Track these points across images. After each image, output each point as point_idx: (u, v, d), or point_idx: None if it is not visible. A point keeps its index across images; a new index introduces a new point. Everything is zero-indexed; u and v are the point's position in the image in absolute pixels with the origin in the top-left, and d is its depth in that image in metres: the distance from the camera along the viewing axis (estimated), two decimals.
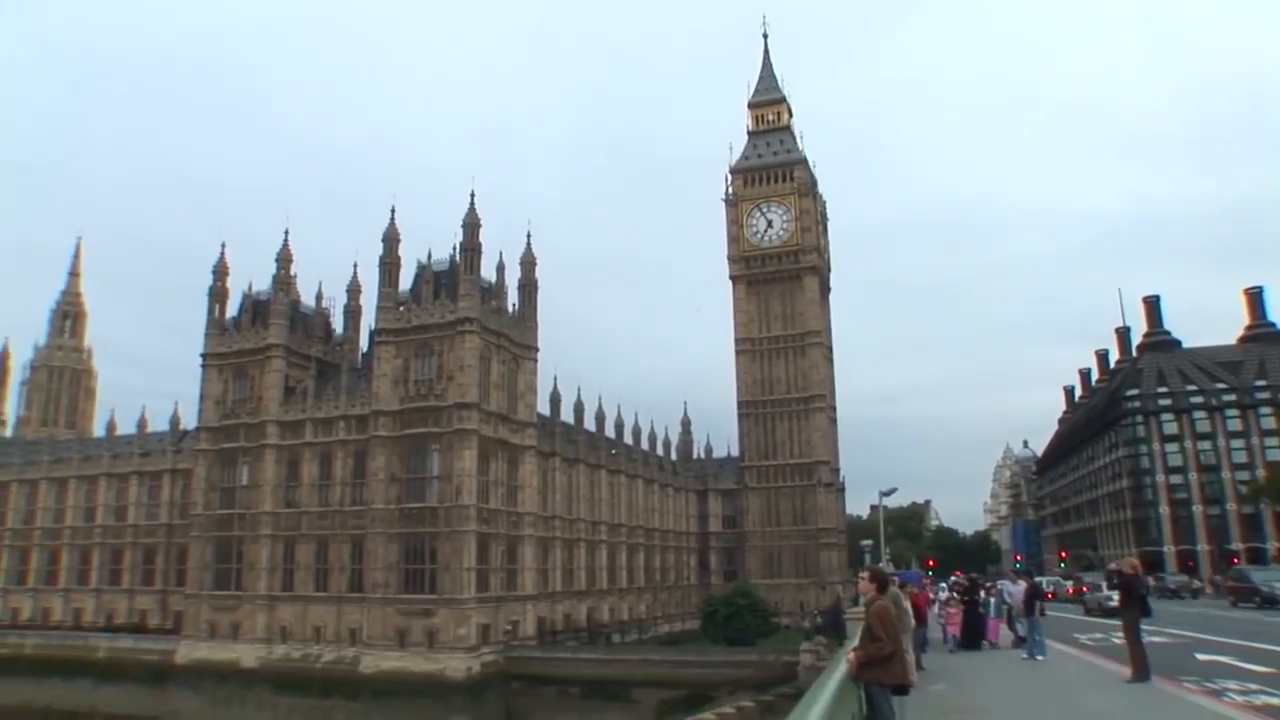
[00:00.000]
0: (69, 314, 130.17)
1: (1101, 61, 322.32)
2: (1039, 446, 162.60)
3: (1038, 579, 27.03)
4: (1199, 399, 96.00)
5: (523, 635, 57.34)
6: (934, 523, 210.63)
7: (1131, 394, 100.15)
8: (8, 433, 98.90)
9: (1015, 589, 25.39)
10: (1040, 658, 21.68)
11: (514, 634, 56.48)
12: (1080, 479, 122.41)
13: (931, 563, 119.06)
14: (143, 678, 59.39)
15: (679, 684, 48.11)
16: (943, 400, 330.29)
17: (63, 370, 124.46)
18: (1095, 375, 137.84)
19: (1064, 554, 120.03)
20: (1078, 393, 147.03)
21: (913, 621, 18.89)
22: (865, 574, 10.76)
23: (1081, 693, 16.86)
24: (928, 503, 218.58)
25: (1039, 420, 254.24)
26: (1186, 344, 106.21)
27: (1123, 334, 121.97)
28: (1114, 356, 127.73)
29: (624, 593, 75.12)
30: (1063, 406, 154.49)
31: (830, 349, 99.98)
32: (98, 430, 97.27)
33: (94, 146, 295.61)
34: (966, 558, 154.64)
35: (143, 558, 72.33)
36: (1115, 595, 24.55)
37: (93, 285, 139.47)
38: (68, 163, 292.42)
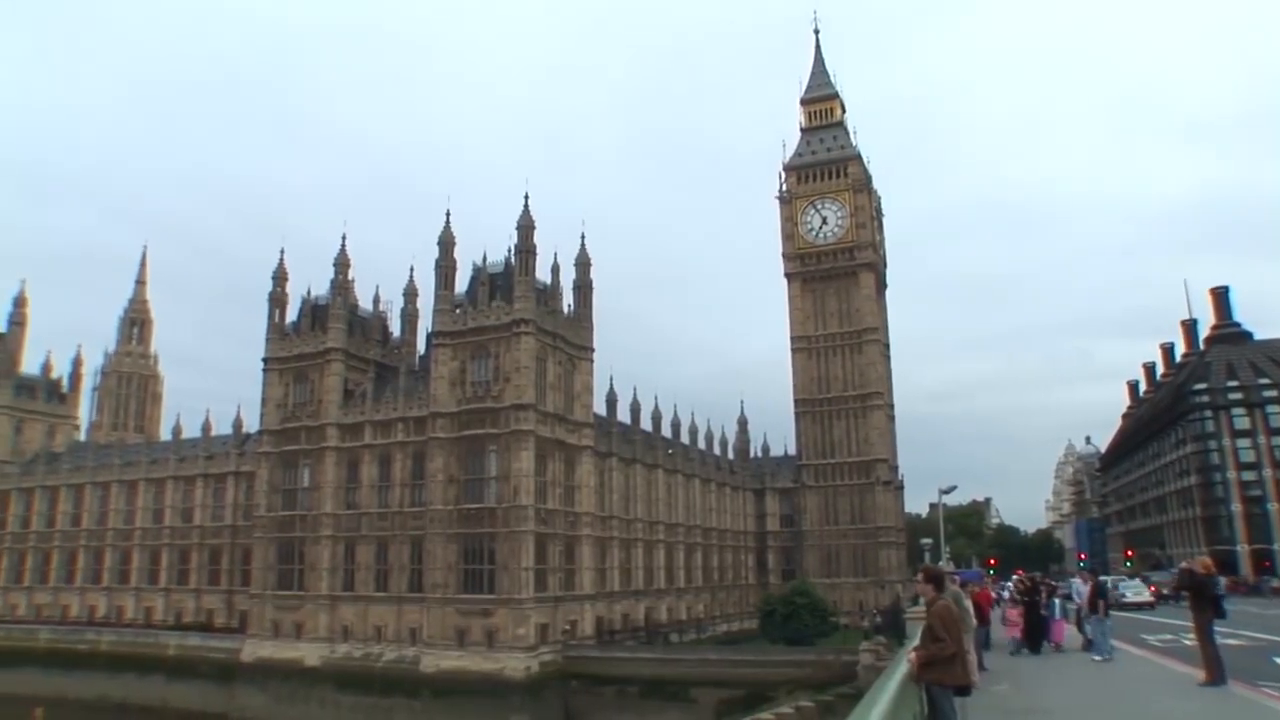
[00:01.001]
0: (136, 321, 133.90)
1: (1164, 45, 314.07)
2: (1102, 442, 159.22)
3: (1102, 578, 26.18)
4: (1273, 392, 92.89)
5: (581, 635, 57.54)
6: (994, 521, 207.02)
7: (1199, 388, 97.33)
8: (81, 437, 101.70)
9: (1086, 588, 24.71)
10: (1097, 658, 21.07)
11: (572, 633, 56.69)
12: (1146, 475, 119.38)
13: (992, 561, 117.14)
14: (210, 675, 60.78)
15: (737, 683, 47.81)
16: (1002, 396, 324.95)
17: (131, 376, 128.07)
18: (1160, 369, 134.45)
19: (1130, 552, 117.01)
20: (1142, 387, 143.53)
21: (974, 621, 18.47)
22: (922, 574, 10.53)
23: (1153, 696, 16.34)
24: (988, 500, 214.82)
25: (1101, 415, 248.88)
26: (1258, 336, 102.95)
27: (1189, 326, 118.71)
28: (1180, 350, 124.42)
29: (682, 592, 74.93)
30: (1126, 401, 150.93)
31: (887, 345, 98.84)
32: (164, 434, 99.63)
33: (155, 155, 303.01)
34: (1028, 556, 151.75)
35: (209, 558, 73.94)
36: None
37: (156, 291, 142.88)
38: (131, 172, 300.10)
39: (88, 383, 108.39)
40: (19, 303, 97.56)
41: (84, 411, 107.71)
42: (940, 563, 47.90)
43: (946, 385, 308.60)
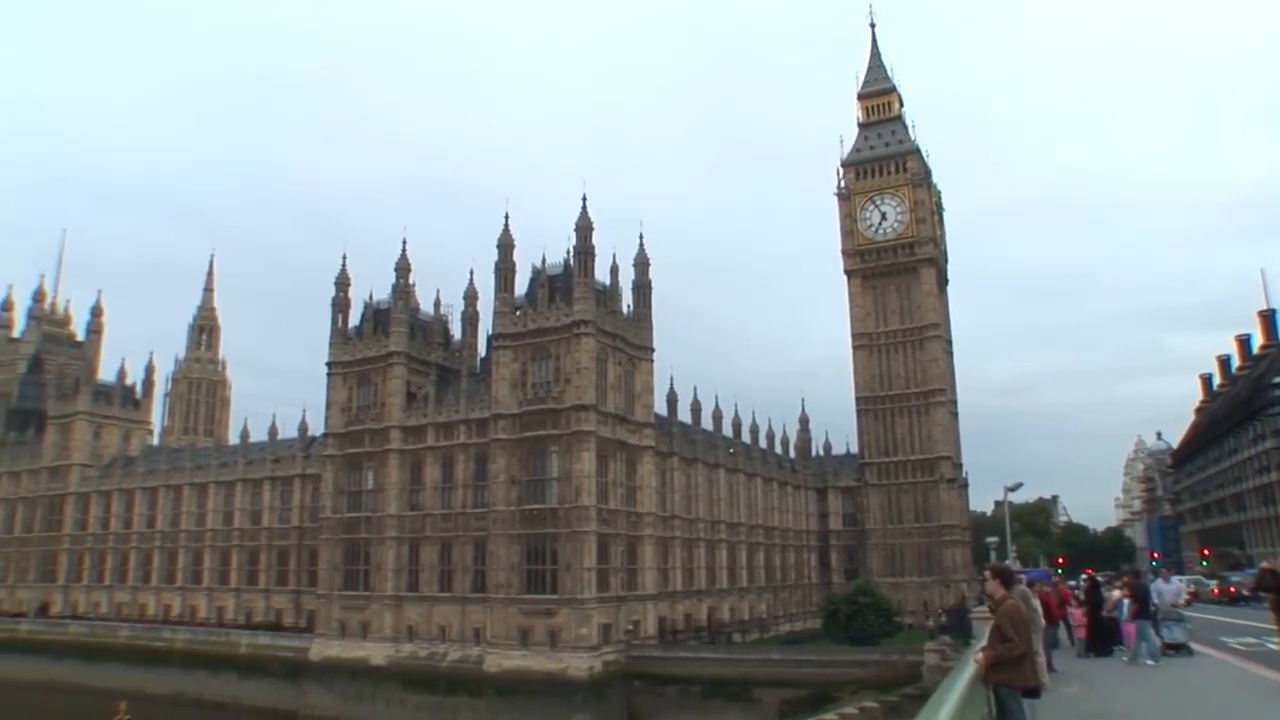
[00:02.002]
0: (205, 328, 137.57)
1: (1236, 21, 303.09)
2: (1173, 438, 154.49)
3: (1147, 578, 25.08)
4: None
5: (644, 635, 57.54)
6: (1061, 519, 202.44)
7: (1279, 380, 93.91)
8: (155, 441, 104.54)
9: (1167, 588, 23.81)
10: (1150, 663, 20.28)
11: (635, 633, 56.70)
12: (1222, 472, 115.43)
13: (1060, 560, 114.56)
14: (280, 673, 61.85)
15: (801, 683, 47.48)
16: (1069, 391, 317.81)
17: (200, 381, 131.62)
18: (1236, 362, 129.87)
19: (1206, 552, 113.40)
20: (1216, 380, 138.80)
21: (1043, 621, 17.95)
22: (989, 572, 10.26)
23: (1236, 701, 15.63)
24: (1054, 498, 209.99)
25: (1173, 410, 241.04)
26: None
27: (1267, 317, 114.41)
28: (1257, 341, 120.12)
29: (744, 592, 74.56)
30: (1199, 395, 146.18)
31: (949, 341, 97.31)
32: (233, 437, 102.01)
33: (221, 167, 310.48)
34: (1098, 555, 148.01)
35: (277, 559, 75.46)
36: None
37: (223, 299, 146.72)
38: (199, 183, 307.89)
39: (160, 388, 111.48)
40: (95, 312, 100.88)
41: (156, 416, 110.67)
42: (1006, 561, 46.91)
43: (1012, 381, 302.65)
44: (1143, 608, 21.14)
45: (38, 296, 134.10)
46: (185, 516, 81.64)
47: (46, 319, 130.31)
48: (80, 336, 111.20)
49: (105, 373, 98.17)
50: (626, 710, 52.04)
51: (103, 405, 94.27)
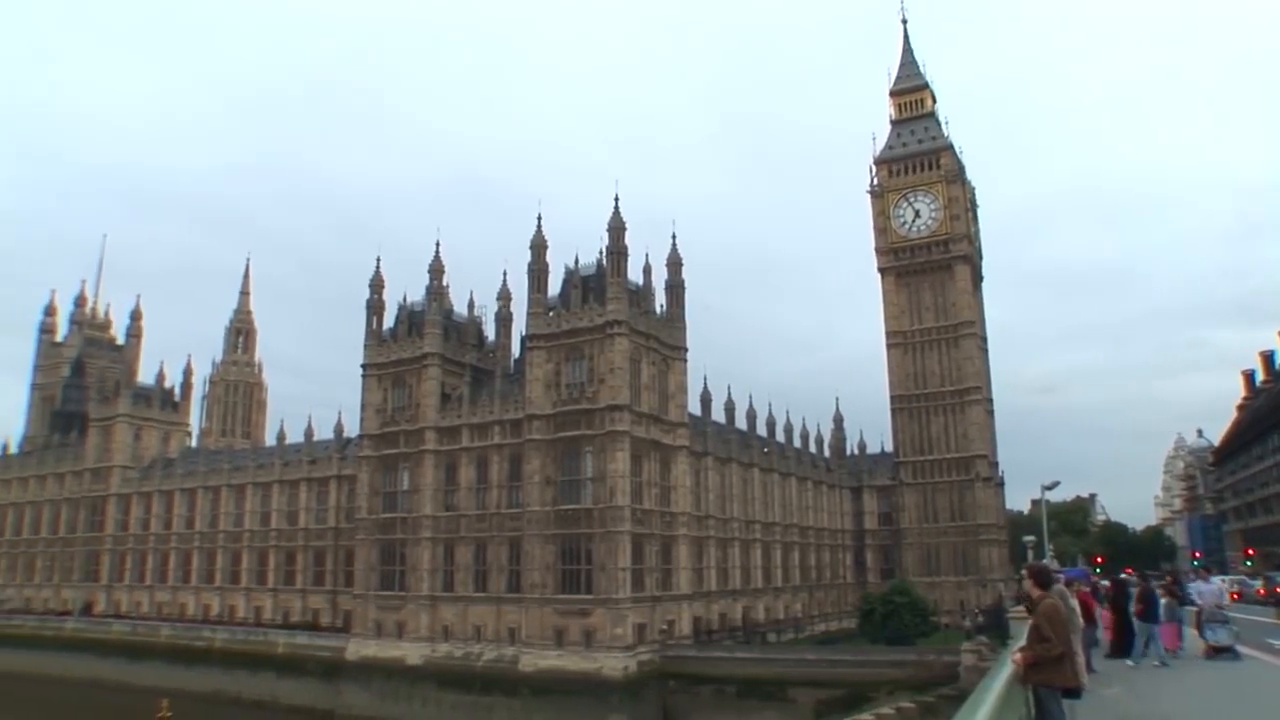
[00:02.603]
0: (241, 331, 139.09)
1: (1269, 14, 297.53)
2: (1215, 435, 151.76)
3: (1151, 581, 24.39)
4: None
5: (679, 634, 57.54)
6: (1099, 517, 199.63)
7: None
8: (193, 443, 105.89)
9: (1207, 588, 23.31)
10: (1155, 665, 19.79)
11: (670, 633, 56.69)
12: (1266, 470, 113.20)
13: (1099, 560, 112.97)
14: (317, 672, 62.39)
15: (836, 683, 47.30)
16: (1107, 388, 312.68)
17: (237, 384, 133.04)
18: None
19: (1250, 551, 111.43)
20: (1259, 376, 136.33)
21: (1081, 621, 17.58)
22: (1025, 572, 10.12)
23: None
24: (1092, 496, 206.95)
25: (1214, 407, 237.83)
26: None
27: None
28: None
29: (779, 592, 74.29)
30: (1242, 392, 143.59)
31: (984, 339, 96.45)
32: (269, 439, 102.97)
33: (254, 170, 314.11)
34: (1137, 554, 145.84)
35: (314, 559, 76.09)
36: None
37: (258, 301, 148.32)
38: (233, 186, 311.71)
39: (197, 391, 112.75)
40: (135, 316, 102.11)
41: (195, 418, 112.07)
42: (1043, 561, 46.33)
43: (1048, 378, 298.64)
44: (1148, 609, 20.69)
45: (79, 301, 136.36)
46: (223, 517, 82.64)
47: (88, 323, 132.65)
48: (120, 340, 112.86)
49: (144, 375, 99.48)
50: (661, 710, 52.03)
51: (142, 408, 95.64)
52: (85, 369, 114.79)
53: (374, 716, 57.25)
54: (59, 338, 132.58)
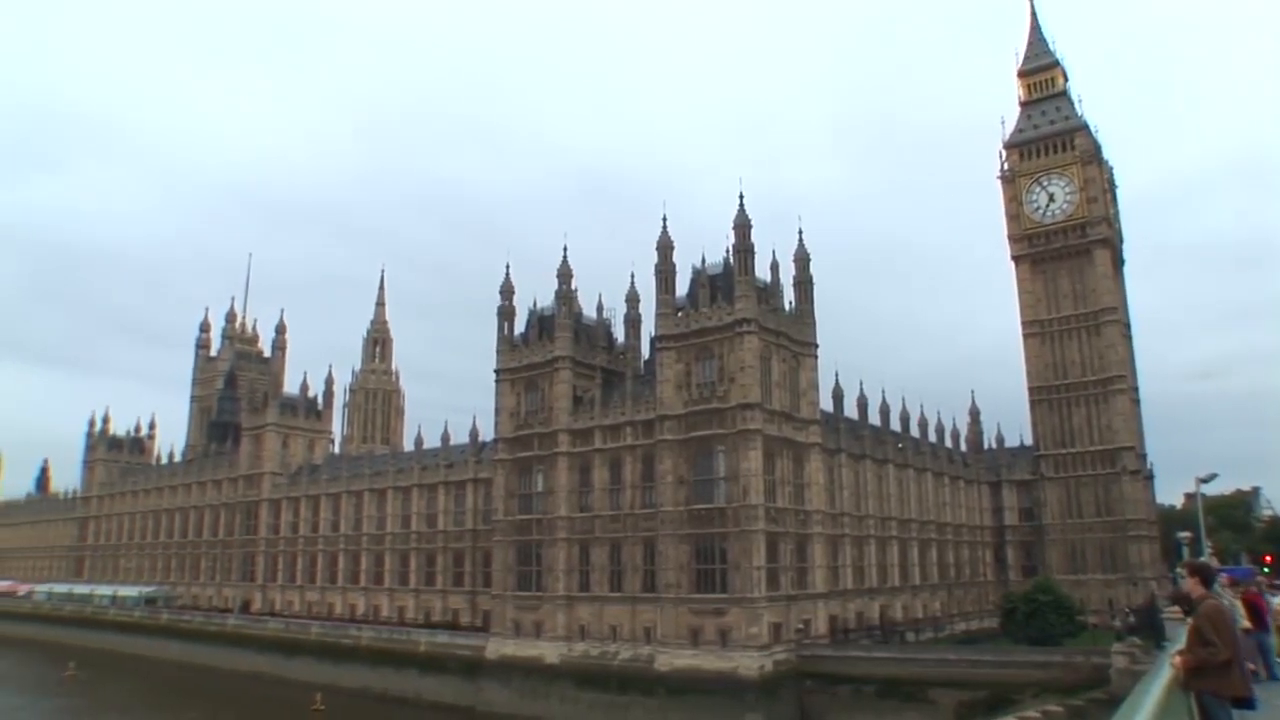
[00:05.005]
0: (378, 340, 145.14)
1: None
2: None
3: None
4: None
5: (815, 634, 57.04)
6: (1265, 512, 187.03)
7: None
8: (336, 450, 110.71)
9: None
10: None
11: (806, 632, 56.19)
12: None
13: (1267, 559, 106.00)
14: (458, 670, 64.04)
15: (978, 685, 46.07)
16: (1273, 372, 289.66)
17: (376, 391, 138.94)
18: None
19: None
20: None
21: (1246, 624, 16.32)
22: (1184, 569, 9.41)
23: None
24: (1256, 490, 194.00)
25: None
26: None
27: None
28: None
29: (917, 590, 72.54)
30: None
31: (1128, 325, 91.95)
32: (407, 444, 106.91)
33: (381, 180, 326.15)
34: None
35: (453, 561, 78.47)
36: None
37: (392, 310, 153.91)
38: (366, 200, 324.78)
39: (339, 399, 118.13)
40: (279, 329, 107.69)
41: (337, 426, 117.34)
42: (1202, 558, 43.85)
43: (1205, 363, 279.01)
44: (1257, 620, 18.87)
45: (229, 317, 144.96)
46: (366, 520, 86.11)
47: (238, 337, 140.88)
48: (267, 352, 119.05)
49: (290, 385, 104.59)
50: (799, 710, 51.59)
51: (289, 417, 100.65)
52: (237, 381, 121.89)
53: (513, 714, 58.41)
54: (213, 352, 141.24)
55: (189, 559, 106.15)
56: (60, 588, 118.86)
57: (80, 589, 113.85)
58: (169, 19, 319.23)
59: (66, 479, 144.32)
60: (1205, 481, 47.97)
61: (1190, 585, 9.19)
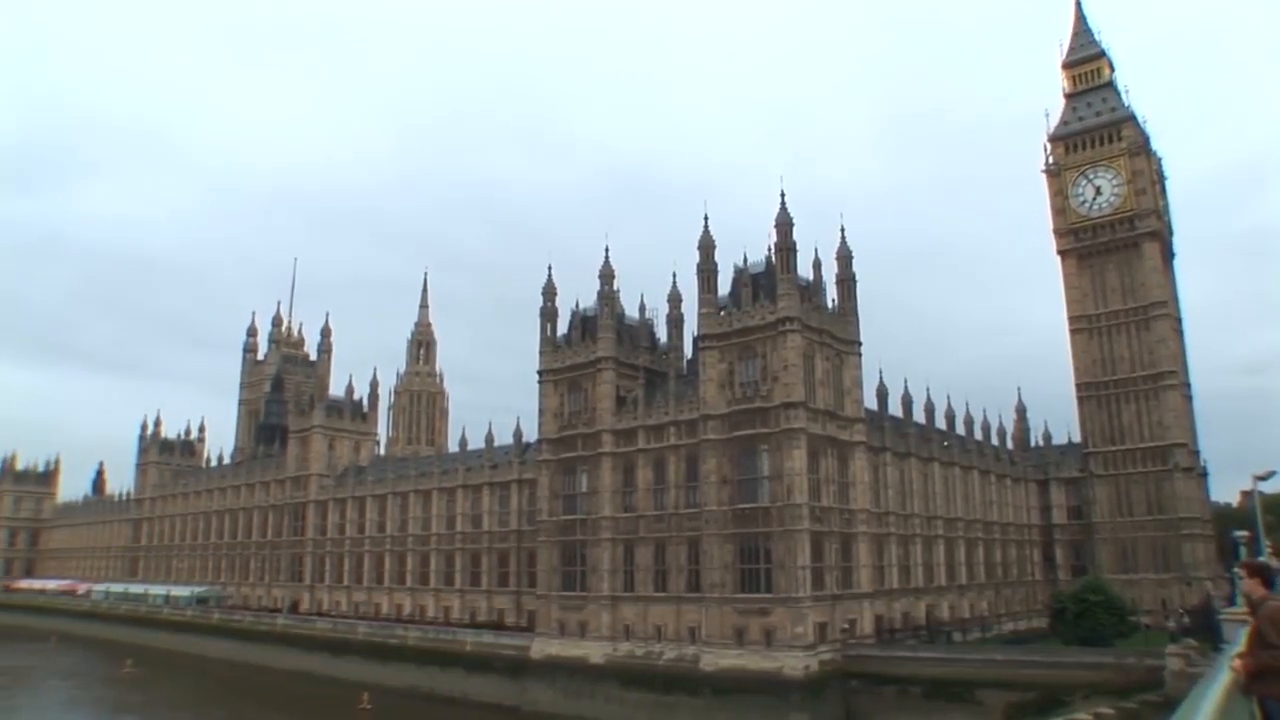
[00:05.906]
0: (422, 343, 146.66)
1: None
2: None
3: None
4: None
5: (860, 633, 56.62)
6: None
7: None
8: (381, 451, 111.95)
9: None
10: None
11: (851, 632, 55.82)
12: None
13: None
14: (503, 670, 64.40)
15: (1027, 686, 45.39)
16: None
17: (420, 394, 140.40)
18: None
19: None
20: None
21: None
22: (1242, 568, 9.08)
23: None
24: None
25: None
26: None
27: None
28: None
29: (964, 589, 71.71)
30: None
31: (1179, 319, 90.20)
32: (452, 446, 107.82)
33: (422, 182, 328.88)
34: None
35: (497, 561, 78.98)
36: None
37: (435, 312, 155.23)
38: (407, 202, 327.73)
39: (384, 401, 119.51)
40: (324, 333, 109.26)
41: (382, 428, 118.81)
42: (1261, 558, 42.89)
43: (1262, 356, 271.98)
44: None
45: (276, 321, 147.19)
46: (411, 521, 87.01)
47: (284, 341, 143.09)
48: (313, 356, 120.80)
49: (335, 388, 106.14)
50: (844, 710, 51.25)
51: (335, 419, 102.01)
52: (284, 384, 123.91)
53: (558, 713, 58.58)
54: (260, 356, 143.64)
55: (239, 559, 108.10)
56: (116, 587, 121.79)
57: (135, 589, 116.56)
58: (213, 29, 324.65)
59: (121, 481, 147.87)
60: (1263, 479, 46.89)
61: (1250, 586, 8.95)
